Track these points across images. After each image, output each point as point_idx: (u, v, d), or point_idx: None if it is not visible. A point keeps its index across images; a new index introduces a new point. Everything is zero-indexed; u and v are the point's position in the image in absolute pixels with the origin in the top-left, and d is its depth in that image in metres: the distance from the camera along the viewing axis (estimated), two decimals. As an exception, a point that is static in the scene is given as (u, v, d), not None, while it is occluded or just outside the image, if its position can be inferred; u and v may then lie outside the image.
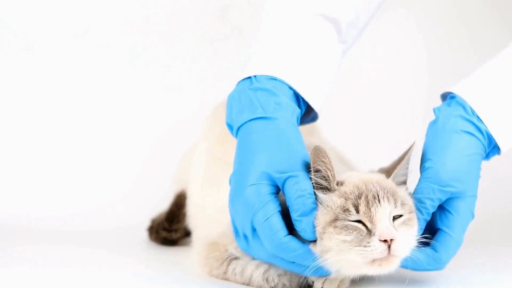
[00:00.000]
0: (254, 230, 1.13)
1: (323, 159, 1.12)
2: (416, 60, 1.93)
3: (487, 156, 1.23)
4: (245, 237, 1.15)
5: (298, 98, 1.23)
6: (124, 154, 1.92)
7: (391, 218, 1.11)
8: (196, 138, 1.58)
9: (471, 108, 1.20)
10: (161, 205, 1.64)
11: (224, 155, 1.36)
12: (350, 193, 1.12)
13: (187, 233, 1.57)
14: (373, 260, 1.09)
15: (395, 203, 1.11)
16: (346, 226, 1.09)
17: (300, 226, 1.11)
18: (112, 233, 1.70)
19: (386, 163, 1.22)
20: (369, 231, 1.09)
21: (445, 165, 1.16)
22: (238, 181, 1.15)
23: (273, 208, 1.12)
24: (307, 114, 1.28)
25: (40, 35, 1.88)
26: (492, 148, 1.22)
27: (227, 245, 1.22)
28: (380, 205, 1.10)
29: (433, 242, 1.16)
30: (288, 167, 1.13)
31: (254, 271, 1.19)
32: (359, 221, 1.10)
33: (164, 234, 1.60)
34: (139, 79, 1.92)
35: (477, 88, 1.22)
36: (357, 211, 1.10)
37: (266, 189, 1.13)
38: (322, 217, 1.11)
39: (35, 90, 1.89)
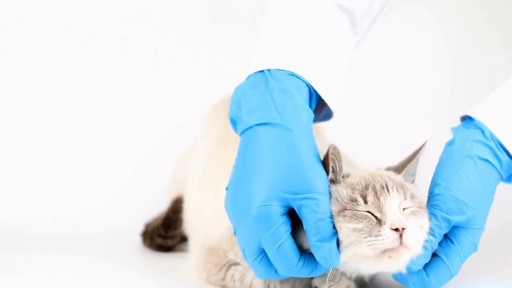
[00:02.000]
0: (261, 251, 1.07)
1: (333, 152, 1.09)
2: (419, 60, 1.92)
3: (509, 179, 1.18)
4: (248, 257, 1.09)
5: (311, 95, 1.15)
6: (118, 156, 1.90)
7: (401, 209, 1.07)
8: (194, 139, 1.56)
9: (490, 132, 1.15)
10: (156, 209, 1.62)
11: (224, 157, 1.34)
12: (357, 184, 1.09)
13: (183, 239, 1.55)
14: (384, 251, 1.05)
15: (404, 194, 1.09)
16: (355, 215, 1.06)
17: (320, 253, 1.05)
18: (105, 237, 1.68)
19: (392, 164, 1.19)
20: (379, 221, 1.06)
21: (454, 193, 1.11)
22: (243, 196, 1.07)
23: (285, 231, 1.05)
24: (318, 111, 1.21)
25: (36, 35, 1.89)
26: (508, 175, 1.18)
27: (226, 251, 1.19)
28: (389, 195, 1.07)
29: (427, 265, 1.12)
30: (304, 188, 1.06)
31: (255, 277, 1.15)
32: (367, 212, 1.07)
33: (159, 240, 1.57)
34: (135, 81, 1.91)
35: (496, 110, 1.17)
36: (365, 202, 1.07)
37: (277, 211, 1.05)
38: (331, 207, 1.07)
39: (29, 93, 1.89)
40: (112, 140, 1.90)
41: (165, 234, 1.56)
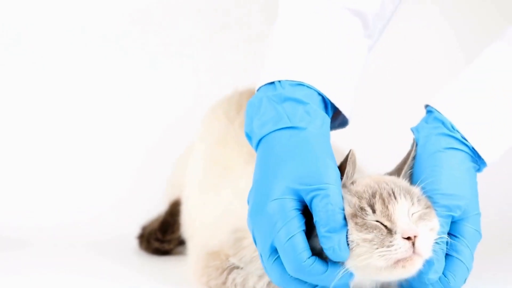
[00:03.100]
0: (274, 250, 1.05)
1: (352, 157, 1.08)
2: (420, 60, 1.92)
3: (479, 169, 1.18)
4: (263, 258, 1.07)
5: (325, 104, 1.15)
6: (115, 158, 1.88)
7: (410, 215, 1.06)
8: (192, 141, 1.55)
9: (451, 124, 1.15)
10: (153, 211, 1.61)
11: (224, 158, 1.34)
12: (364, 192, 1.07)
13: (181, 242, 1.53)
14: (397, 261, 1.03)
15: (411, 199, 1.07)
16: (365, 224, 1.04)
17: (328, 243, 1.03)
18: (99, 240, 1.67)
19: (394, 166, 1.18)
20: (389, 230, 1.04)
21: (441, 190, 1.11)
22: (259, 196, 1.07)
23: (298, 226, 1.04)
24: (333, 119, 1.20)
25: (34, 35, 1.88)
26: (480, 160, 1.17)
27: (229, 255, 1.17)
28: (397, 202, 1.05)
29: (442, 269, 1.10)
30: (316, 180, 1.05)
31: (257, 282, 1.15)
32: (377, 222, 1.05)
33: (156, 244, 1.55)
34: (132, 81, 1.91)
35: (454, 100, 1.17)
36: (373, 211, 1.05)
37: (290, 204, 1.05)
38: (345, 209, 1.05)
39: (25, 94, 1.88)
40: (109, 141, 1.89)
41: (163, 237, 1.55)
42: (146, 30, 1.89)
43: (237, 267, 1.17)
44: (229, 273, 1.16)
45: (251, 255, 1.15)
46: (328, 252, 1.03)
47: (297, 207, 1.05)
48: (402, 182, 1.11)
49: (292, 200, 1.05)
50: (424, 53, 1.92)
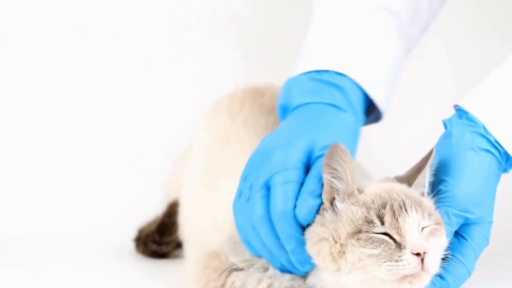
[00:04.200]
0: (266, 187, 1.11)
1: (344, 158, 1.06)
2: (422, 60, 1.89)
3: (505, 170, 1.19)
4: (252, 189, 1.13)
5: (362, 98, 1.24)
6: (112, 158, 1.86)
7: (420, 229, 1.05)
8: (191, 140, 1.52)
9: (483, 125, 1.15)
10: (150, 212, 1.59)
11: (224, 157, 1.32)
12: (372, 203, 1.05)
13: (179, 245, 1.51)
14: (404, 277, 1.03)
15: (422, 213, 1.06)
16: (371, 238, 1.03)
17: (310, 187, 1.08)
18: (95, 243, 1.67)
19: (397, 166, 1.20)
20: (398, 244, 1.03)
21: (463, 189, 1.12)
22: (276, 141, 1.14)
23: (299, 178, 1.09)
24: (368, 114, 1.29)
25: (33, 36, 1.86)
26: (506, 165, 1.18)
27: (228, 256, 1.17)
28: (408, 215, 1.04)
29: (440, 269, 1.10)
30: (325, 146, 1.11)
31: (256, 286, 1.12)
32: (384, 234, 1.04)
33: (153, 247, 1.53)
34: (130, 81, 1.89)
35: (486, 102, 1.18)
36: (382, 223, 1.04)
37: (300, 157, 1.11)
38: (342, 228, 1.05)
39: (23, 95, 1.87)
40: (105, 142, 1.87)
41: (160, 240, 1.53)
42: (145, 30, 1.88)
43: (237, 269, 1.15)
44: (228, 276, 1.15)
45: (250, 256, 1.15)
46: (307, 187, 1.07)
47: (303, 162, 1.11)
48: (413, 192, 1.09)
49: (299, 153, 1.11)
50: (431, 55, 1.90)
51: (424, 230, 1.05)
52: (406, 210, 1.04)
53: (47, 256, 1.56)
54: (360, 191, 1.07)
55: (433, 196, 1.12)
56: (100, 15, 1.86)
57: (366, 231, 1.03)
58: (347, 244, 1.03)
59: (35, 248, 1.63)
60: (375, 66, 1.24)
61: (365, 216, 1.04)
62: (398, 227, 1.03)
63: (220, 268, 1.15)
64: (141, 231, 1.56)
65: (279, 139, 1.14)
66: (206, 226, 1.27)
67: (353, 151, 1.18)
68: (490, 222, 1.13)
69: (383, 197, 1.06)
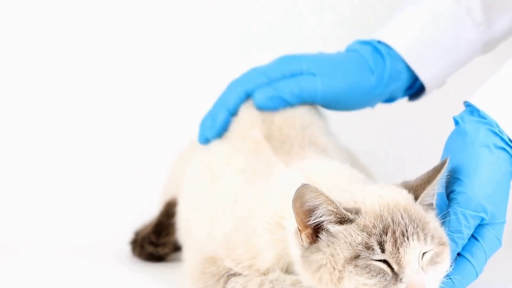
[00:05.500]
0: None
1: (319, 194, 1.02)
2: None
3: None
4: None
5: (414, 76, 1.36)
6: (109, 158, 1.86)
7: (420, 257, 1.03)
8: (190, 139, 1.51)
9: (496, 123, 1.14)
10: (147, 214, 1.57)
11: (225, 156, 1.30)
12: (373, 227, 1.03)
13: (176, 248, 1.49)
14: None
15: (425, 238, 1.04)
16: (368, 266, 1.01)
17: None
18: (90, 246, 1.66)
19: (397, 166, 1.22)
20: (395, 275, 1.02)
21: (478, 189, 1.10)
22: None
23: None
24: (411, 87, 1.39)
25: (32, 36, 1.86)
26: None
27: (223, 259, 1.16)
28: (409, 244, 1.02)
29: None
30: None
31: None
32: (383, 261, 1.02)
33: (150, 249, 1.51)
34: (129, 81, 1.88)
35: (497, 99, 1.17)
36: (383, 250, 1.01)
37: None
38: (341, 252, 1.02)
39: (20, 96, 1.86)
40: (103, 144, 1.87)
41: (157, 240, 1.51)
42: (145, 30, 1.87)
43: (235, 274, 1.14)
44: (226, 281, 1.15)
45: (247, 258, 1.13)
46: None
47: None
48: (418, 211, 1.06)
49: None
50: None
51: (425, 256, 1.03)
52: (408, 238, 1.02)
53: (43, 260, 1.55)
54: (356, 211, 1.04)
55: (448, 196, 1.10)
56: (100, 15, 1.86)
57: (365, 257, 1.01)
58: (345, 271, 1.01)
59: (33, 249, 1.63)
60: (429, 47, 1.35)
61: (366, 242, 1.02)
62: (398, 257, 1.01)
63: (218, 273, 1.14)
64: (137, 234, 1.54)
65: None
66: (204, 227, 1.25)
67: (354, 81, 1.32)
68: (503, 223, 1.12)
69: (385, 220, 1.03)
